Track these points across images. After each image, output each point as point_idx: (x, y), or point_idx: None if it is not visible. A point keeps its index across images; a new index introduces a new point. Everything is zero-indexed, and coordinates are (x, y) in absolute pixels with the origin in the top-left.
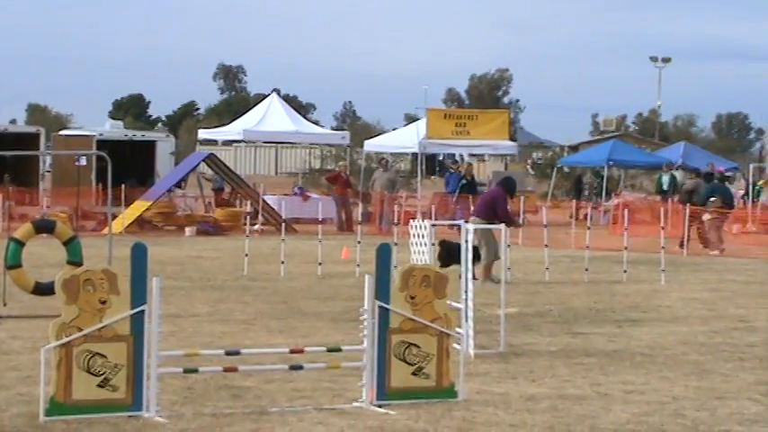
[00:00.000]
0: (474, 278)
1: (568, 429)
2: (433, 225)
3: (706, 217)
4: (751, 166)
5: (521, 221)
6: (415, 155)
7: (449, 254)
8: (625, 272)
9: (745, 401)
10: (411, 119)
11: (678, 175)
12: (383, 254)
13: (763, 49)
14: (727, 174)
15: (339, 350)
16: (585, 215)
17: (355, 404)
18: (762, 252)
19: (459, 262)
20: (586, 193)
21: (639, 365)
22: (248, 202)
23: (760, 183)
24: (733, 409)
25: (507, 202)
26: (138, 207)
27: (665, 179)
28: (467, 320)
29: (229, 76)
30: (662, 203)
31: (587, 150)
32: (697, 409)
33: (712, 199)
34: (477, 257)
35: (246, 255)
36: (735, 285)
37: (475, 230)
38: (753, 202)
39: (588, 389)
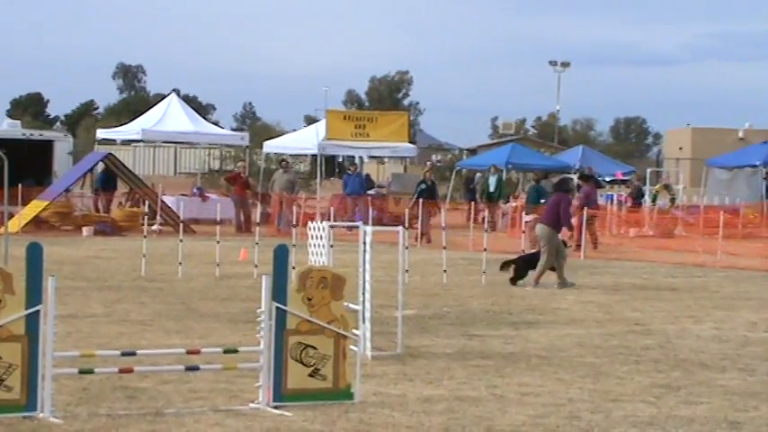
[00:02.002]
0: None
1: (464, 431)
2: (332, 227)
3: (527, 218)
4: (648, 171)
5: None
6: (314, 156)
7: (527, 265)
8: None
9: (640, 404)
10: (311, 120)
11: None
12: (280, 255)
13: (660, 53)
14: (625, 178)
15: (236, 351)
16: (483, 218)
17: (252, 405)
18: (658, 256)
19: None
20: (477, 195)
21: (535, 368)
22: (146, 203)
23: (657, 187)
24: (628, 412)
25: (571, 204)
26: (36, 207)
27: (492, 181)
28: (364, 322)
29: (129, 75)
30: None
31: (486, 153)
32: (592, 411)
33: (542, 201)
34: (534, 265)
35: (144, 255)
36: (631, 289)
37: (541, 237)
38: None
39: (484, 391)
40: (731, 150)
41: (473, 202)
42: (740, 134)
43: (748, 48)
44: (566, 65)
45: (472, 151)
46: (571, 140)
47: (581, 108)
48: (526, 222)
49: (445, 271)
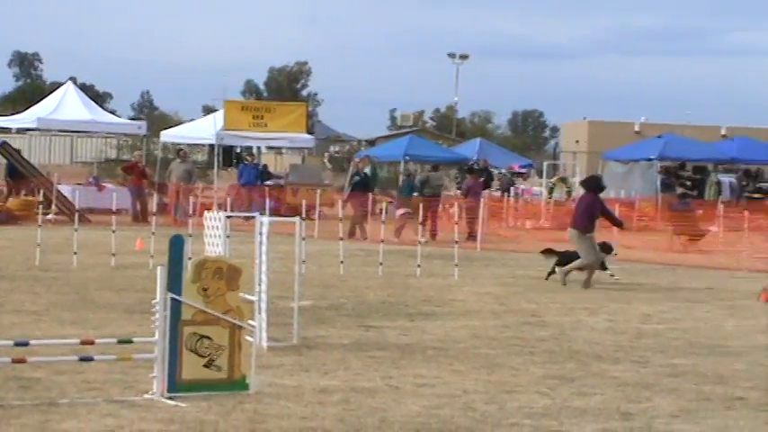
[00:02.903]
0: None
1: (359, 422)
2: (228, 217)
3: (400, 211)
4: (545, 164)
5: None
6: (211, 146)
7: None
8: (419, 266)
9: (534, 395)
10: (209, 110)
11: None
12: (176, 245)
13: (558, 47)
14: (522, 170)
15: (130, 342)
16: (381, 209)
17: (146, 396)
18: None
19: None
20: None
21: (431, 359)
22: (41, 192)
23: (554, 180)
24: (522, 403)
25: (602, 202)
26: None
27: (367, 171)
28: (260, 313)
29: (25, 63)
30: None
31: (384, 145)
32: (487, 402)
33: (415, 194)
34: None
35: (39, 245)
36: (527, 280)
37: (571, 241)
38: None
39: (380, 382)
40: (627, 144)
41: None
42: (636, 128)
43: (645, 42)
44: (464, 57)
45: (371, 143)
46: (469, 133)
47: (479, 101)
48: (400, 215)
49: (342, 262)
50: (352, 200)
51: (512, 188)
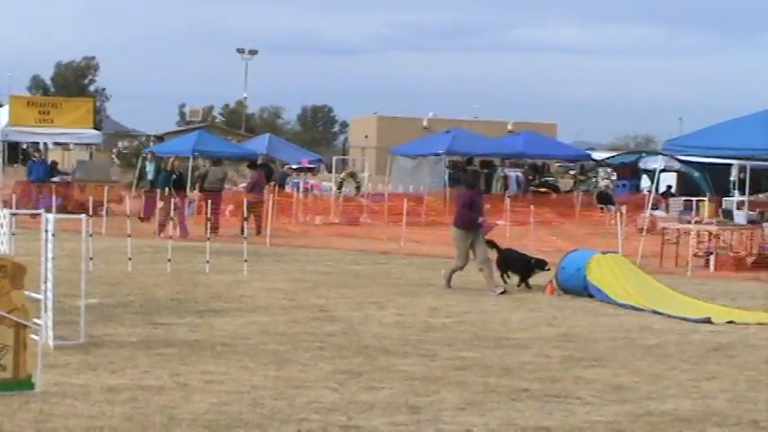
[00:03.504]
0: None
1: (147, 420)
2: (14, 214)
3: (159, 205)
4: (334, 159)
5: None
6: None
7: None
8: (208, 262)
9: (323, 390)
10: None
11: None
12: None
13: (347, 43)
14: (311, 165)
15: None
16: (176, 205)
17: None
18: (343, 243)
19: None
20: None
21: (220, 355)
22: None
23: (343, 175)
24: (311, 398)
25: (474, 199)
26: None
27: (151, 168)
28: (46, 311)
29: None
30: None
31: (173, 140)
32: (275, 398)
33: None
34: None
35: None
36: (316, 276)
37: (453, 239)
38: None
39: (168, 379)
40: (416, 139)
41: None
42: (424, 123)
43: (432, 38)
44: (253, 53)
45: (159, 138)
46: (258, 128)
47: (269, 96)
48: (160, 209)
49: (130, 259)
50: (168, 198)
51: (287, 183)
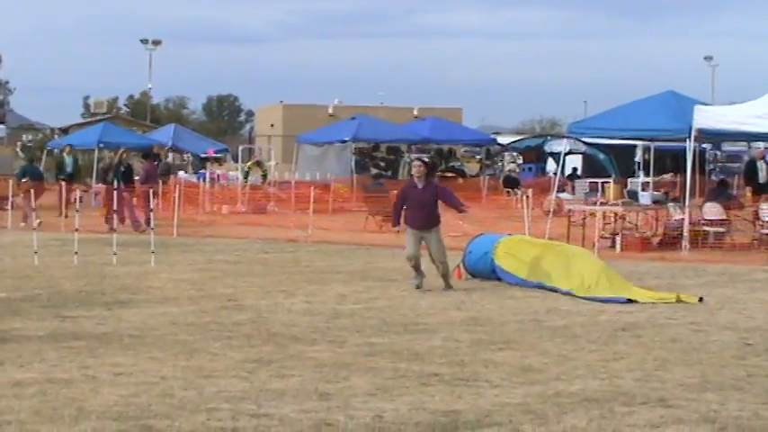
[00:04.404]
0: None
1: (56, 413)
2: None
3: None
4: (240, 148)
5: None
6: None
7: None
8: (115, 254)
9: (233, 379)
10: None
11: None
12: None
13: (251, 31)
14: (218, 155)
15: None
16: (76, 198)
17: None
18: (251, 232)
19: None
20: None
21: (128, 347)
22: None
23: (249, 164)
24: (221, 387)
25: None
26: None
27: (69, 161)
28: None
29: None
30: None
31: (78, 132)
32: (185, 388)
33: (24, 179)
34: None
35: None
36: (224, 265)
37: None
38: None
39: (77, 372)
40: (322, 126)
41: (64, 183)
42: (330, 110)
43: (336, 25)
44: (157, 43)
45: (64, 131)
46: (164, 119)
47: (173, 86)
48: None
49: (36, 252)
50: (114, 192)
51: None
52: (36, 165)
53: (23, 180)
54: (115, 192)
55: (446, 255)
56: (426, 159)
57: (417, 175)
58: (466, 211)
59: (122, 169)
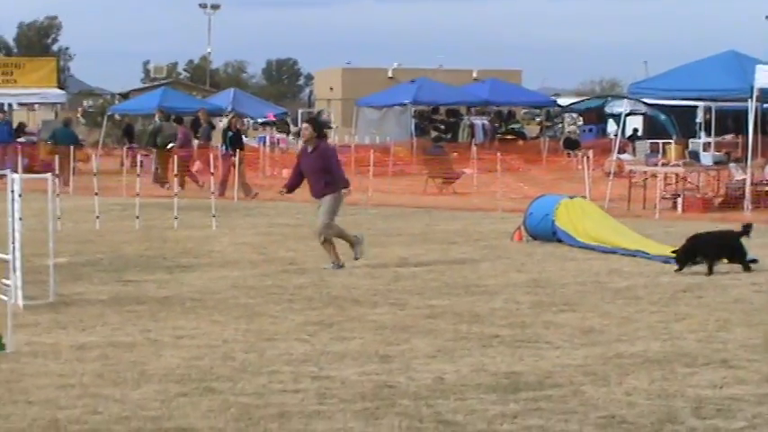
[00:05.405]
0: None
1: (118, 376)
2: None
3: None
4: (300, 112)
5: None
6: None
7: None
8: (176, 218)
9: (294, 342)
10: None
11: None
12: None
13: None
14: (277, 119)
15: None
16: (137, 163)
17: None
18: (309, 196)
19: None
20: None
21: (190, 311)
22: None
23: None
24: (281, 350)
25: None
26: None
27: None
28: (15, 272)
29: None
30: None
31: (138, 98)
32: (246, 351)
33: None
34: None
35: None
36: (285, 229)
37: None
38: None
39: (139, 336)
40: (381, 90)
41: (127, 148)
42: (389, 73)
43: None
44: (216, 7)
45: (124, 96)
46: (223, 83)
47: (233, 50)
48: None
49: (98, 217)
50: (226, 157)
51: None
52: (70, 129)
53: (48, 142)
54: (221, 157)
55: (327, 225)
56: (317, 120)
57: (304, 139)
58: (348, 190)
59: (231, 134)
